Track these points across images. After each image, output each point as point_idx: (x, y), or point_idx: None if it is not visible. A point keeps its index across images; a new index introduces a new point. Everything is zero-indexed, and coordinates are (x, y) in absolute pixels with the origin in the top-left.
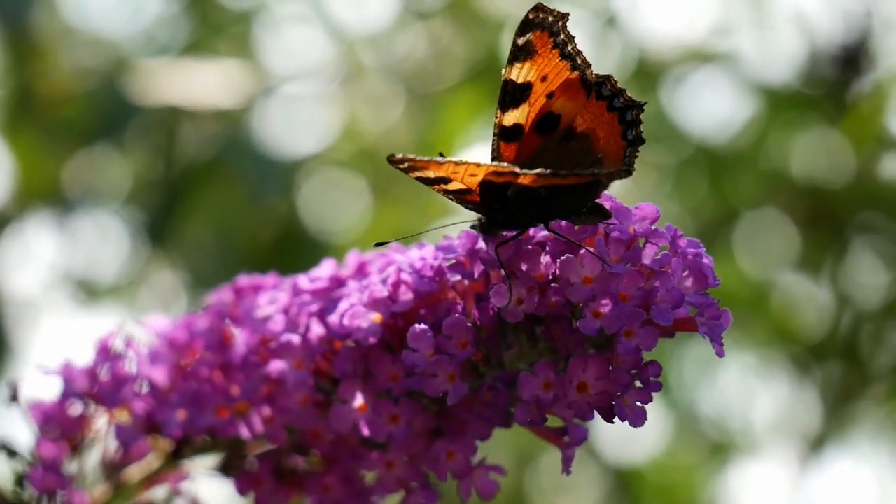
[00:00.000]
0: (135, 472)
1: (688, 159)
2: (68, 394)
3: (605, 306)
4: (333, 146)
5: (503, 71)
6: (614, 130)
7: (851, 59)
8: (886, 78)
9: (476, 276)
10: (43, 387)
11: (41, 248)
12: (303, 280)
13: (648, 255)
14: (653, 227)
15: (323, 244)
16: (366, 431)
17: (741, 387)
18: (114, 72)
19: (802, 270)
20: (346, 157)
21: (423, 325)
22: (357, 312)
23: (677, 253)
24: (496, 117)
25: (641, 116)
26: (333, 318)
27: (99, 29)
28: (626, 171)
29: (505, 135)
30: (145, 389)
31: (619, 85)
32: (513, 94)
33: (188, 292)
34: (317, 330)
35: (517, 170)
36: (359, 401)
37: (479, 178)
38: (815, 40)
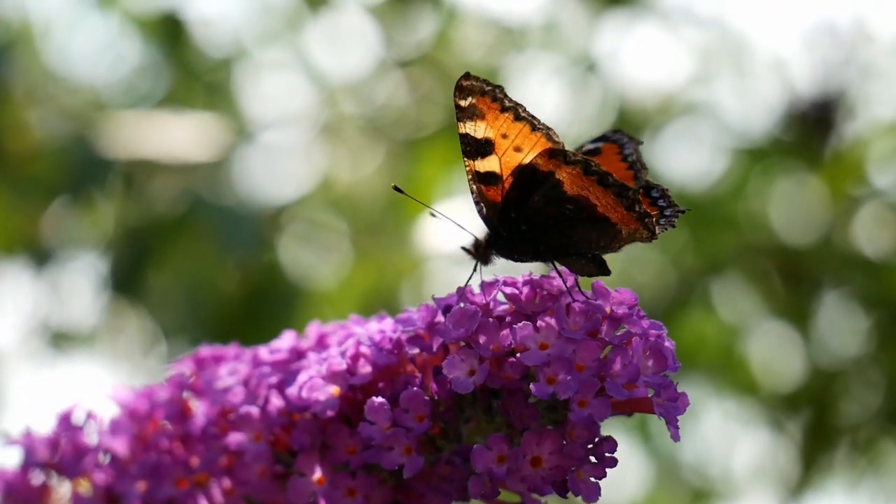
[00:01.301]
0: None
1: None
2: (30, 463)
3: (560, 373)
4: (312, 194)
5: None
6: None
7: (830, 108)
8: (867, 128)
9: (434, 349)
10: (6, 455)
11: (15, 299)
12: (263, 351)
13: (609, 329)
14: (628, 311)
15: (300, 293)
16: None
17: (721, 434)
18: (87, 124)
19: (780, 319)
20: (325, 205)
21: (380, 398)
22: (315, 385)
23: (639, 333)
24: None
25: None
26: (292, 391)
27: (80, 76)
28: (650, 237)
29: (480, 178)
30: (106, 460)
31: (663, 186)
32: (474, 146)
33: (159, 345)
34: (276, 402)
35: (570, 152)
36: (317, 474)
37: (523, 156)
38: (794, 89)
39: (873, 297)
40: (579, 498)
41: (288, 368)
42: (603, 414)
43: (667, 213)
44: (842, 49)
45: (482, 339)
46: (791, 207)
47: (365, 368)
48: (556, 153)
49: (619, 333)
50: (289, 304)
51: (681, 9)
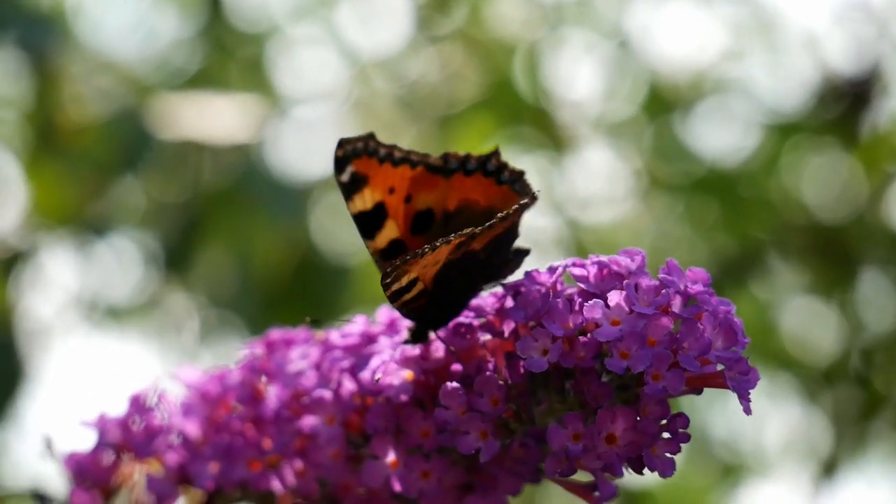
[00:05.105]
0: None
1: (699, 183)
2: (102, 444)
3: (633, 347)
4: None
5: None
6: (491, 185)
7: (863, 84)
8: None
9: (506, 334)
10: (74, 437)
11: (60, 274)
12: (334, 335)
13: (678, 304)
14: (703, 289)
15: (339, 268)
16: (397, 487)
17: (753, 409)
18: (132, 101)
19: (814, 295)
20: None
21: (454, 383)
22: (389, 369)
23: (709, 309)
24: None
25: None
26: (365, 375)
27: (113, 52)
28: (532, 198)
29: (386, 255)
30: (177, 441)
31: (480, 155)
32: (369, 222)
33: (208, 318)
34: (348, 386)
35: (476, 230)
36: (391, 457)
37: (439, 266)
38: (828, 65)
39: None
40: (622, 480)
41: (359, 352)
42: (677, 386)
43: (505, 173)
44: (875, 24)
45: (554, 319)
46: (825, 184)
47: (438, 353)
48: (422, 180)
49: (688, 308)
50: (333, 277)
51: None
